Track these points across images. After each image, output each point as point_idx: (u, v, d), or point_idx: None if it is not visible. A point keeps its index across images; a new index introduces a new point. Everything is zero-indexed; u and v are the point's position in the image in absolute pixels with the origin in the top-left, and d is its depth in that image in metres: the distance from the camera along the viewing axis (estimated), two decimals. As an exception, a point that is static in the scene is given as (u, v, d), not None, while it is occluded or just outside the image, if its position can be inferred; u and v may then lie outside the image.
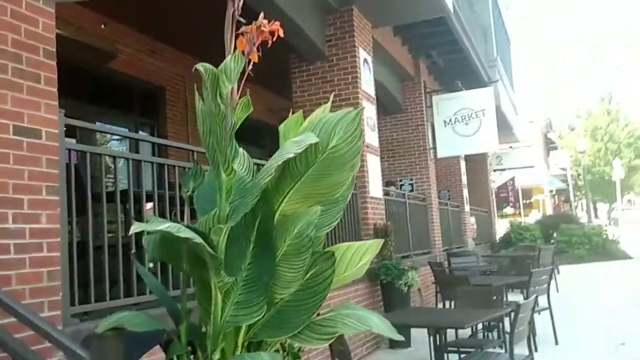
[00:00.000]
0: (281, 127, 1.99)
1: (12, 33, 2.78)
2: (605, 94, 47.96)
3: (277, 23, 2.19)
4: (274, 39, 2.21)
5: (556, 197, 43.12)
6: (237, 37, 2.16)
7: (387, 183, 9.87)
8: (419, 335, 7.05)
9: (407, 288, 7.18)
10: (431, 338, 4.78)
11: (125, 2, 6.94)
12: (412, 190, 10.95)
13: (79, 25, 6.29)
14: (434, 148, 11.54)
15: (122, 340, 1.75)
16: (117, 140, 7.98)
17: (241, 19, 2.10)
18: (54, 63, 3.01)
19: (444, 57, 11.73)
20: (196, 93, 1.98)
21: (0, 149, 2.69)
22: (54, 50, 3.02)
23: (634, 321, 7.60)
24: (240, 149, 2.02)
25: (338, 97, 7.93)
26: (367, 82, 8.21)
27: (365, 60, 8.23)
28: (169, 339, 2.00)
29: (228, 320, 1.87)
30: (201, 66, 1.79)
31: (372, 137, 8.22)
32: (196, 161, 2.10)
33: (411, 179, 11.18)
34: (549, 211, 33.58)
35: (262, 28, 2.15)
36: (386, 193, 8.68)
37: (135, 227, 1.62)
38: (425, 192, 11.12)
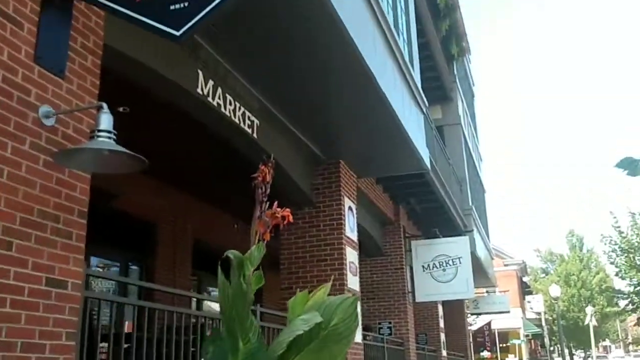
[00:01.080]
0: (290, 302, 2.40)
1: (54, 197, 3.24)
2: (576, 240, 49.38)
3: (288, 210, 2.68)
4: (285, 222, 2.69)
5: (532, 341, 42.83)
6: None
7: (365, 327, 10.09)
8: None
9: None
10: None
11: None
12: (390, 334, 11.14)
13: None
14: (413, 292, 11.91)
15: None
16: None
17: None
18: (85, 222, 3.45)
19: (423, 206, 12.47)
20: (219, 269, 2.41)
21: (32, 298, 3.04)
22: (86, 210, 3.47)
23: None
24: (252, 317, 2.41)
25: (323, 242, 8.42)
26: (350, 228, 8.75)
27: (349, 207, 8.83)
28: None
29: None
30: (231, 253, 2.24)
31: (353, 281, 8.60)
32: (218, 329, 2.47)
33: (389, 322, 11.41)
34: (526, 356, 33.26)
35: (276, 214, 2.63)
36: (364, 337, 8.90)
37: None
38: (403, 336, 11.31)
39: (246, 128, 6.50)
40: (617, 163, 3.17)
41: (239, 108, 6.35)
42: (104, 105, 3.08)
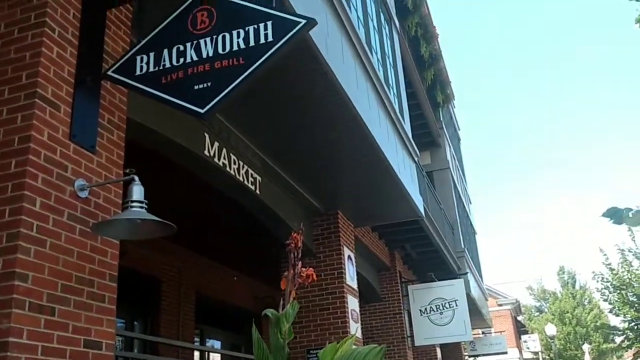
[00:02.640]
0: (320, 354, 2.66)
1: (89, 264, 3.49)
2: (568, 276, 49.62)
3: (312, 270, 2.97)
4: (310, 280, 2.97)
5: (531, 382, 42.47)
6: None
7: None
8: None
9: None
10: None
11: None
12: (392, 380, 11.25)
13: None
14: (411, 336, 12.06)
15: None
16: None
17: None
18: (116, 285, 3.69)
19: (417, 250, 12.75)
20: (254, 327, 2.67)
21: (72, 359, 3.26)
22: (116, 274, 3.72)
23: None
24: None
25: (324, 291, 8.64)
26: (351, 276, 8.99)
27: (349, 256, 9.09)
28: None
29: None
30: (269, 312, 2.51)
31: (355, 328, 8.78)
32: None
33: (391, 368, 11.52)
34: (526, 397, 32.95)
35: (301, 274, 2.91)
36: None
37: None
38: (404, 382, 11.42)
39: (249, 185, 6.81)
40: (603, 213, 3.50)
41: (243, 166, 6.67)
42: (136, 177, 3.38)
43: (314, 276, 2.95)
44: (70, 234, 3.40)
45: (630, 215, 3.27)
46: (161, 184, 7.18)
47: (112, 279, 3.68)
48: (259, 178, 7.02)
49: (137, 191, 3.36)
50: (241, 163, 6.62)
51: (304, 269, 2.94)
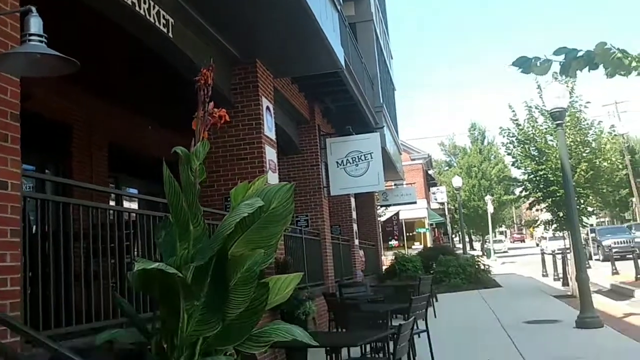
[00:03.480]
0: (232, 192, 2.70)
1: (-14, 100, 3.28)
2: (478, 133, 52.31)
3: (224, 110, 2.93)
4: (222, 121, 2.94)
5: (436, 230, 46.03)
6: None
7: (285, 219, 10.64)
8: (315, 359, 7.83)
9: (305, 317, 7.94)
10: (328, 357, 5.54)
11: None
12: (307, 226, 11.80)
13: None
14: (327, 187, 12.53)
15: (114, 351, 2.36)
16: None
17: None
18: (18, 125, 3.52)
19: (337, 104, 12.85)
20: (164, 165, 2.66)
21: (-24, 199, 3.17)
22: (18, 113, 3.53)
23: (498, 342, 8.81)
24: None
25: (242, 142, 8.67)
26: (269, 127, 9.01)
27: (267, 107, 9.04)
28: (140, 352, 2.62)
29: (191, 334, 2.53)
30: (179, 149, 2.49)
31: (273, 178, 8.99)
32: (166, 215, 2.75)
33: (306, 215, 12.04)
34: (430, 243, 35.88)
35: (213, 114, 2.87)
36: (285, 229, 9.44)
37: (138, 265, 2.26)
38: (319, 228, 12.01)
39: (161, 27, 6.44)
40: (512, 62, 3.59)
41: (153, 6, 6.26)
42: (33, 9, 3.09)
43: (227, 117, 2.92)
44: (-40, 68, 3.14)
45: (538, 64, 3.38)
46: (70, 28, 6.69)
47: (14, 118, 3.50)
48: (171, 20, 6.63)
49: (35, 23, 3.09)
50: (152, 3, 6.19)
51: (216, 110, 2.89)
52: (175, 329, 2.54)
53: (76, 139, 9.31)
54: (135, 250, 4.97)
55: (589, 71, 3.33)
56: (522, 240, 79.64)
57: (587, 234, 28.62)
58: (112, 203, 7.00)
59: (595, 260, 27.42)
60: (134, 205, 7.78)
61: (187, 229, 2.53)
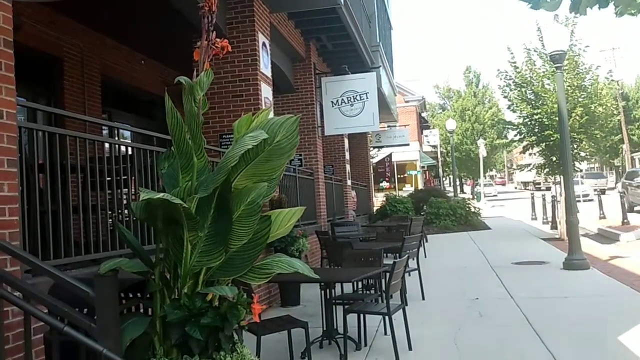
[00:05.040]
0: (235, 124, 2.66)
1: (-22, 25, 3.18)
2: (473, 76, 51.86)
3: (226, 40, 2.85)
4: (224, 51, 2.86)
5: (427, 172, 46.30)
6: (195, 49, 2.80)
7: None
8: (307, 295, 7.99)
9: (298, 253, 8.05)
10: (322, 292, 5.64)
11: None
12: (301, 165, 11.81)
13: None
14: (322, 126, 12.46)
15: (118, 280, 2.38)
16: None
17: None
18: (12, 51, 3.42)
19: (333, 42, 12.61)
20: (166, 96, 2.60)
21: (-29, 127, 3.11)
22: (12, 40, 3.42)
23: (487, 281, 9.01)
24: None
25: (238, 78, 8.55)
26: (265, 64, 8.86)
27: (263, 43, 8.87)
28: (143, 281, 2.64)
29: (195, 264, 2.55)
30: (182, 79, 2.43)
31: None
32: (170, 148, 2.71)
33: (300, 155, 12.02)
34: (421, 185, 36.13)
35: (215, 45, 2.79)
36: (280, 167, 9.43)
37: (143, 195, 2.24)
38: (312, 167, 12.03)
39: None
40: (521, -2, 3.50)
41: None
42: None
43: (229, 47, 2.84)
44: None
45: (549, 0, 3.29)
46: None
47: (8, 45, 3.40)
48: (167, -51, 6.40)
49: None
50: None
51: (218, 40, 2.81)
52: (178, 259, 2.56)
53: (68, 72, 9.12)
54: (132, 184, 4.95)
55: (599, 9, 3.25)
56: (503, 184, 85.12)
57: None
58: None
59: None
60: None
61: (191, 161, 2.51)
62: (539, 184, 55.61)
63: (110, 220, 4.41)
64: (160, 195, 2.25)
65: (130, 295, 2.87)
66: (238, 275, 2.62)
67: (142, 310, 2.91)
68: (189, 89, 2.44)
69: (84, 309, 2.60)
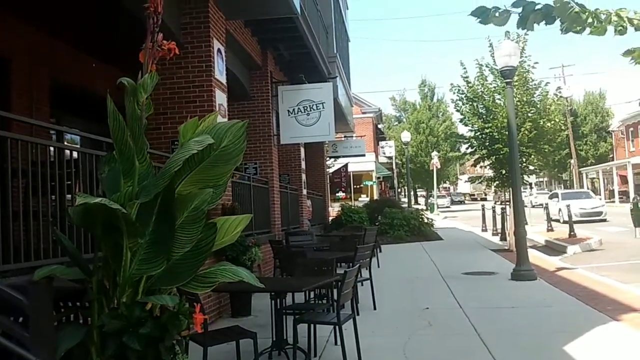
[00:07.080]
0: (181, 128, 2.60)
1: None
2: (428, 90, 52.78)
3: (173, 43, 2.79)
4: (172, 54, 2.80)
5: (383, 183, 46.72)
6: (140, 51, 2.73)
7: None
8: (259, 305, 7.90)
9: (250, 263, 7.95)
10: (273, 302, 5.58)
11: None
12: (255, 174, 11.72)
13: None
14: (278, 135, 12.42)
15: (54, 288, 2.28)
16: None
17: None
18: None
19: (290, 51, 12.61)
20: (108, 98, 2.52)
21: None
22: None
23: (437, 291, 9.10)
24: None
25: (191, 84, 8.43)
26: (220, 71, 8.77)
27: (218, 50, 8.78)
28: (81, 290, 2.54)
29: (134, 273, 2.47)
30: (125, 80, 2.35)
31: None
32: (111, 151, 2.63)
33: (255, 163, 11.95)
34: (376, 196, 36.41)
35: (162, 47, 2.73)
36: (233, 176, 9.34)
37: (80, 200, 2.16)
38: (267, 176, 11.96)
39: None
40: (471, 11, 3.55)
41: None
42: None
43: (177, 50, 2.78)
44: None
45: (497, 14, 3.35)
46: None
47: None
48: (120, -49, 6.28)
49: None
50: None
51: (165, 42, 2.75)
52: (118, 267, 2.47)
53: (15, 73, 8.82)
54: (77, 189, 4.80)
55: (545, 24, 3.33)
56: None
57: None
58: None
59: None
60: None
61: (133, 165, 2.43)
62: (474, 195, 61.80)
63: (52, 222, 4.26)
64: (98, 199, 2.17)
65: (70, 304, 2.77)
66: (181, 284, 2.55)
67: (81, 320, 2.81)
68: (132, 91, 2.37)
69: (19, 318, 2.49)
